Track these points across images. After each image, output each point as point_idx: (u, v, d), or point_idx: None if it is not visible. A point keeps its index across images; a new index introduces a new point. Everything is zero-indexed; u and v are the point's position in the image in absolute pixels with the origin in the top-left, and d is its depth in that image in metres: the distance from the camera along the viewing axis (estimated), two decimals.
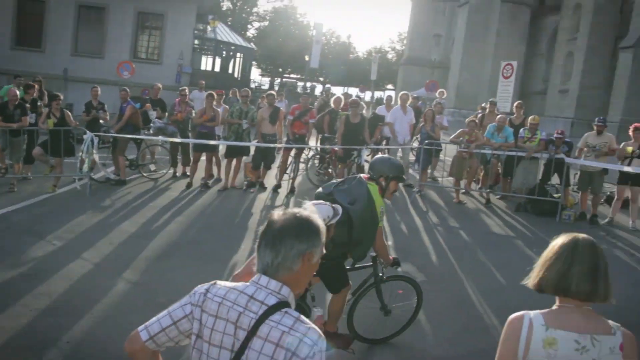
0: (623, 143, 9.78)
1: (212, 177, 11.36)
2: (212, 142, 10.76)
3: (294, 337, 1.70)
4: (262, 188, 10.91)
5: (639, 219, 9.87)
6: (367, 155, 12.68)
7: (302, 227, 1.81)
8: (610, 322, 2.02)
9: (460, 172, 11.00)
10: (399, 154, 12.37)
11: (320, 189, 4.39)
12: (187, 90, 12.00)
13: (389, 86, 65.18)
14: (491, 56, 37.35)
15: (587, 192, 10.26)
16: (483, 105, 13.46)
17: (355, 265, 4.63)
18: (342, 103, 12.50)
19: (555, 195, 10.41)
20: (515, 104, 12.35)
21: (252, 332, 1.73)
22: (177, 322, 1.89)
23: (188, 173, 11.24)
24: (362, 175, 4.49)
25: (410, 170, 12.85)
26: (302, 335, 1.70)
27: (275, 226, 1.82)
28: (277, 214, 1.86)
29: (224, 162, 11.06)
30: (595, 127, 10.14)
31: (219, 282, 1.92)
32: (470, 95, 37.79)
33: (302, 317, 1.77)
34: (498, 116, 11.17)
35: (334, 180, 4.54)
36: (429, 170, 12.23)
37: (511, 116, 11.88)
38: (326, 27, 68.33)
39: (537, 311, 2.07)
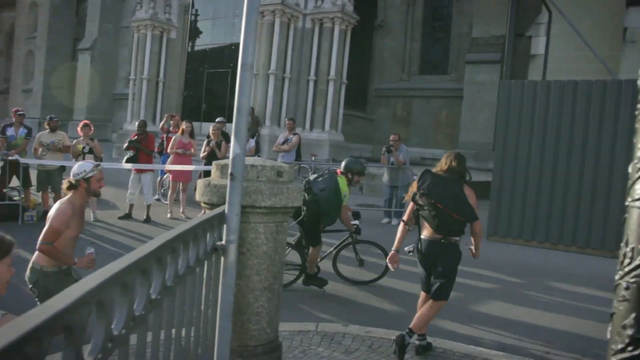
0: (75, 140, 10.18)
1: None
2: None
3: None
4: None
5: (98, 209, 10.52)
6: None
7: None
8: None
9: None
10: None
11: (308, 178, 6.24)
12: None
13: None
14: None
15: (48, 190, 10.29)
16: None
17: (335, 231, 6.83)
18: None
19: (16, 198, 10.07)
20: None
21: None
22: None
23: None
24: (336, 170, 6.41)
25: None
26: None
27: None
28: None
29: None
30: (47, 125, 10.27)
31: None
32: None
33: None
34: None
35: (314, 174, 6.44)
36: None
37: None
38: None
39: None
